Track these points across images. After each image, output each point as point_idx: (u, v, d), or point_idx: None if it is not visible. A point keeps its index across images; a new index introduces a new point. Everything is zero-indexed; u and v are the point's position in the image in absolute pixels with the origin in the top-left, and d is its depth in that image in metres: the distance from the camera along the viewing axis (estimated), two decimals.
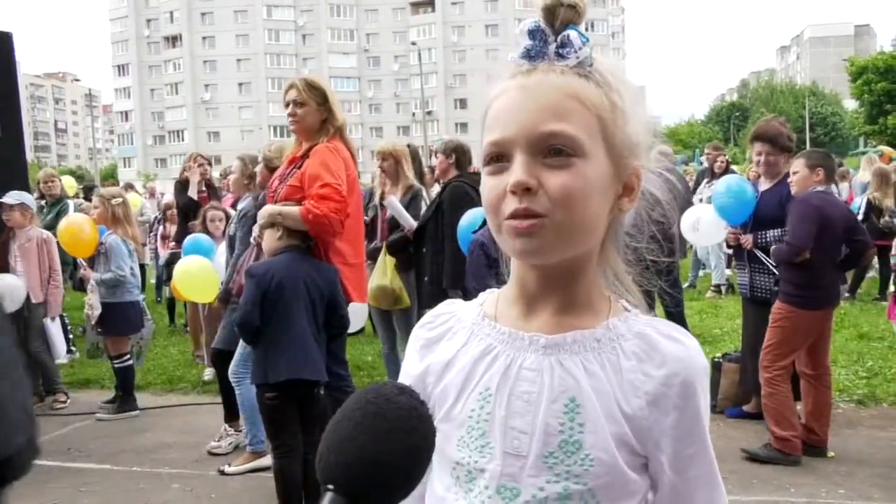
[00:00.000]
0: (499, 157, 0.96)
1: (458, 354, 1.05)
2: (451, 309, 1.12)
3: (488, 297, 1.10)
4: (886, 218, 9.36)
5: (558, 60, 0.96)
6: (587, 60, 0.96)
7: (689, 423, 0.97)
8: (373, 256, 5.64)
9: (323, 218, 3.88)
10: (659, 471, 0.98)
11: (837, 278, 4.87)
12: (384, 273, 5.58)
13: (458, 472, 1.00)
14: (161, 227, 9.86)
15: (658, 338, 0.98)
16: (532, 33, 0.98)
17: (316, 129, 4.15)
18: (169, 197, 13.40)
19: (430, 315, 1.13)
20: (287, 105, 4.16)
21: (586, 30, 0.99)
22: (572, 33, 0.96)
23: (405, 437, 0.75)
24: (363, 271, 4.45)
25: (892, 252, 7.53)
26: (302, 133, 4.20)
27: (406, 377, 1.11)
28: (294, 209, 3.91)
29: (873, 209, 9.47)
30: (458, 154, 5.61)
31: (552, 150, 0.93)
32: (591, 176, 0.94)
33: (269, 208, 3.98)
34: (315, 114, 4.13)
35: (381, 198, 5.88)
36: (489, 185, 0.97)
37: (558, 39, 0.97)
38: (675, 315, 7.82)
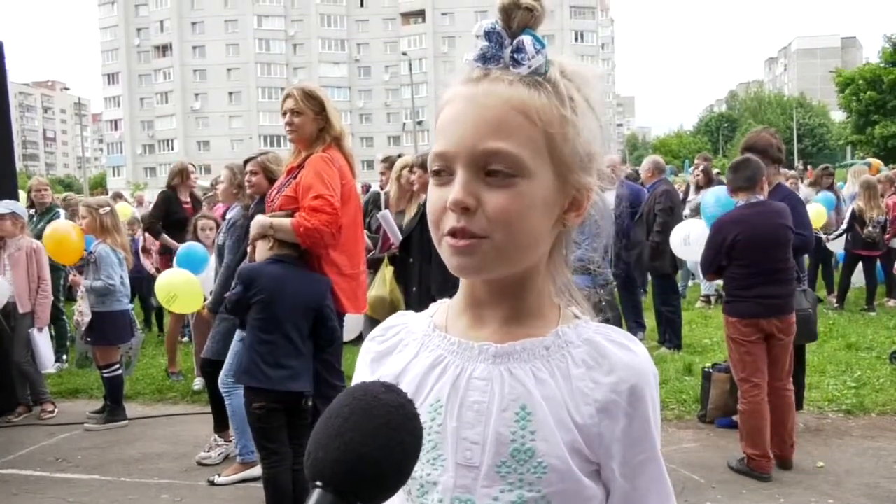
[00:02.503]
0: (443, 170, 0.94)
1: (409, 366, 1.03)
2: (402, 321, 1.11)
3: (439, 307, 1.09)
4: (870, 229, 9.43)
5: (513, 66, 0.93)
6: (541, 69, 0.93)
7: (639, 430, 0.96)
8: (372, 266, 5.63)
9: (314, 231, 3.85)
10: (611, 478, 0.96)
11: (772, 293, 4.53)
12: (384, 284, 5.58)
13: (411, 486, 0.98)
14: (142, 240, 9.66)
15: (607, 345, 0.97)
16: (488, 35, 0.94)
17: (313, 138, 4.12)
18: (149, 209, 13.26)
19: (380, 328, 1.11)
20: (284, 114, 4.13)
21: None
22: (526, 39, 0.93)
23: (392, 433, 0.74)
24: (360, 282, 4.36)
25: None
26: (299, 142, 4.17)
27: None
28: (286, 221, 3.88)
29: (857, 220, 9.54)
30: None
31: (492, 168, 0.91)
32: (533, 195, 0.92)
33: (261, 220, 3.95)
34: (312, 123, 4.11)
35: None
36: (433, 197, 0.95)
37: (514, 44, 0.93)
38: (673, 323, 7.91)
